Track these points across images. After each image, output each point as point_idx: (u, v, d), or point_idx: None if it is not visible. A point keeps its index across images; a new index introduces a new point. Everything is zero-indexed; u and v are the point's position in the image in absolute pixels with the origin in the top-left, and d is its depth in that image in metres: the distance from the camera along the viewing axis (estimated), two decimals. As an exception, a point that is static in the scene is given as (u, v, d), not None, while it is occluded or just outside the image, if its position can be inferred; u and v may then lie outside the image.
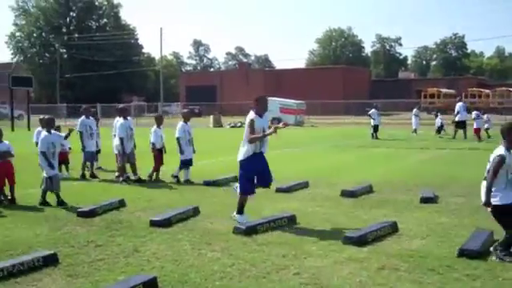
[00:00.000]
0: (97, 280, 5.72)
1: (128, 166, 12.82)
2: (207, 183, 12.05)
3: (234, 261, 6.29)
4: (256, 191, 8.45)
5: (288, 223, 8.03)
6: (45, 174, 9.86)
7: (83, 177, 13.26)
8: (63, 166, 13.41)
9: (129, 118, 13.17)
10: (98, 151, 14.88)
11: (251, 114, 8.12)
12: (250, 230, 7.49)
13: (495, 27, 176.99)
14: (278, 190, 10.91)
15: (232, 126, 43.12)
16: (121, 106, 14.27)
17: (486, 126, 27.24)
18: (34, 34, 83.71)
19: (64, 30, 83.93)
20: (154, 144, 12.75)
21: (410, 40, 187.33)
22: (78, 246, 7.00)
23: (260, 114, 8.18)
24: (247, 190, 8.20)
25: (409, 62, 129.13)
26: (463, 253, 6.16)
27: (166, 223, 8.00)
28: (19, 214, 9.05)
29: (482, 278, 5.56)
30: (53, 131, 10.25)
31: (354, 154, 19.18)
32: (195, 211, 8.86)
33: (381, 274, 5.75)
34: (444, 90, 62.08)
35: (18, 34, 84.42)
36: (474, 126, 25.39)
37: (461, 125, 25.71)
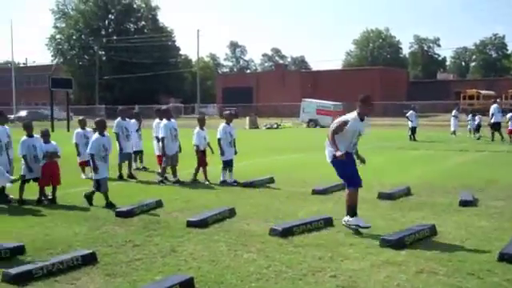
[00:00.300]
0: (134, 280, 5.78)
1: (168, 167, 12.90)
2: (244, 184, 12.07)
3: (270, 262, 6.28)
4: (291, 193, 8.41)
5: (324, 225, 7.98)
6: (93, 176, 9.93)
7: (121, 177, 13.38)
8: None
9: (172, 119, 13.10)
10: (141, 152, 15.07)
11: (349, 115, 7.88)
12: (286, 232, 7.47)
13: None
14: (315, 192, 10.87)
15: (268, 128, 43.14)
16: (164, 107, 14.34)
17: None
18: (74, 37, 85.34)
19: (103, 32, 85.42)
20: (197, 146, 12.74)
21: (449, 41, 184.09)
22: (116, 246, 7.10)
23: (362, 116, 7.89)
24: (357, 182, 7.78)
25: (447, 63, 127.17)
26: (503, 257, 6.03)
27: (203, 224, 8.04)
28: (59, 214, 9.22)
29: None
30: (105, 133, 10.26)
31: (391, 156, 18.97)
32: (231, 212, 8.89)
33: (419, 278, 5.66)
34: (483, 92, 60.87)
35: (58, 36, 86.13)
36: (509, 127, 24.93)
37: (496, 126, 25.41)
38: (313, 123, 45.37)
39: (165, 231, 7.86)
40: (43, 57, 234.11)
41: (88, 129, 13.47)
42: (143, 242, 7.25)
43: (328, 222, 8.08)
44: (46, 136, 10.56)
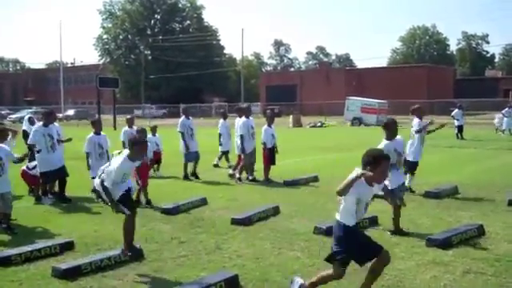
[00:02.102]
0: (180, 276, 5.88)
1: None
2: (287, 183, 12.08)
3: (315, 260, 6.29)
4: (332, 192, 8.32)
5: (370, 224, 7.92)
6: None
7: (186, 177, 13.08)
8: (155, 166, 13.71)
9: (250, 117, 13.01)
10: (227, 152, 15.14)
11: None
12: (331, 231, 7.41)
13: None
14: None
15: (312, 126, 42.91)
16: (244, 105, 14.30)
17: None
18: (120, 37, 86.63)
19: (148, 32, 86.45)
20: (264, 143, 12.56)
21: (498, 37, 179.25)
22: (161, 242, 7.23)
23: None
24: None
25: (496, 60, 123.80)
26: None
27: (247, 221, 8.11)
28: (107, 211, 9.39)
29: None
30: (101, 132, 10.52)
31: (438, 155, 18.60)
32: (275, 210, 8.93)
33: (466, 278, 5.58)
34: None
35: (105, 36, 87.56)
36: None
37: None
38: (357, 121, 44.94)
39: (209, 228, 7.96)
40: (91, 57, 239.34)
41: (135, 127, 13.61)
42: (188, 239, 7.36)
43: (373, 221, 8.02)
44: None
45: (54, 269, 5.92)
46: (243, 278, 5.66)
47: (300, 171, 13.62)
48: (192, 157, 13.33)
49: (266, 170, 12.61)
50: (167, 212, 8.96)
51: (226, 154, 15.13)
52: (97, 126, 10.57)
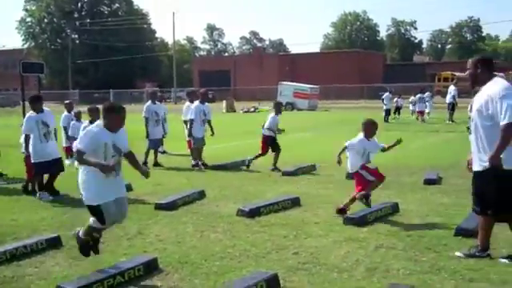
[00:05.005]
0: (99, 261, 5.82)
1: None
2: (214, 167, 12.14)
3: (236, 242, 6.39)
4: (262, 175, 8.48)
5: (292, 205, 8.11)
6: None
7: (145, 164, 12.27)
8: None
9: (206, 103, 12.77)
10: (164, 136, 14.46)
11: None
12: (254, 213, 7.57)
13: (510, 10, 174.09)
14: (284, 174, 10.99)
15: (245, 112, 43.11)
16: (196, 89, 13.90)
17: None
18: (45, 20, 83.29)
19: (76, 15, 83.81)
20: (269, 130, 12.21)
21: (426, 23, 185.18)
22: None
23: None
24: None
25: (424, 45, 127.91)
26: (460, 232, 6.21)
27: (171, 206, 8.11)
28: (26, 200, 9.21)
29: (479, 258, 5.59)
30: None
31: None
32: (201, 195, 8.98)
33: (378, 253, 5.83)
34: (458, 74, 61.44)
35: (28, 19, 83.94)
36: (417, 109, 28.46)
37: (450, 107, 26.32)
38: (290, 106, 45.44)
39: (132, 214, 7.83)
40: (14, 41, 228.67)
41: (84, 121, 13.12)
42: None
43: (295, 202, 8.21)
44: None
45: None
46: (162, 261, 5.68)
47: (230, 155, 13.70)
48: (154, 144, 12.97)
49: (257, 156, 12.27)
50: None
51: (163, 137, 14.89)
52: (38, 104, 9.45)
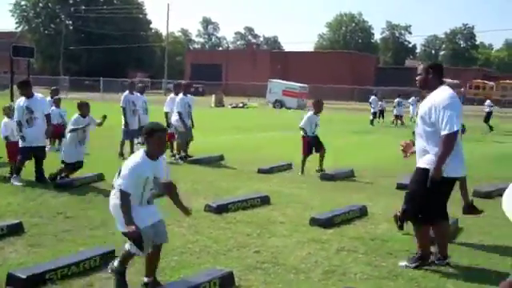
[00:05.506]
0: (59, 250, 5.77)
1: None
2: (191, 161, 12.08)
3: (198, 237, 6.34)
4: (239, 171, 8.38)
5: (261, 203, 8.06)
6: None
7: (121, 155, 12.18)
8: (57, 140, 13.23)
9: (188, 95, 12.69)
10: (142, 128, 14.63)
11: None
12: (221, 209, 7.52)
13: (505, 20, 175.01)
14: (260, 171, 10.95)
15: (233, 107, 42.99)
16: (182, 82, 13.84)
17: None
18: (40, 4, 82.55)
19: (71, 1, 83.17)
20: (303, 130, 11.51)
21: (421, 28, 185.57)
22: (46, 217, 7.05)
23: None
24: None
25: (418, 50, 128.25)
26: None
27: (139, 198, 8.03)
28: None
29: (438, 265, 5.59)
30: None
31: (345, 139, 19.19)
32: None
33: (338, 256, 5.80)
34: (448, 80, 61.62)
35: (23, 2, 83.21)
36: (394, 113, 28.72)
37: None
38: (278, 104, 45.46)
39: (100, 205, 7.80)
40: (8, 23, 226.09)
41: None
42: (75, 215, 7.22)
43: (265, 201, 8.17)
44: None
45: None
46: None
47: (210, 150, 13.62)
48: (130, 135, 12.73)
49: (303, 161, 11.17)
50: (61, 186, 8.75)
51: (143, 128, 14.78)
52: (26, 89, 9.35)
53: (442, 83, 5.53)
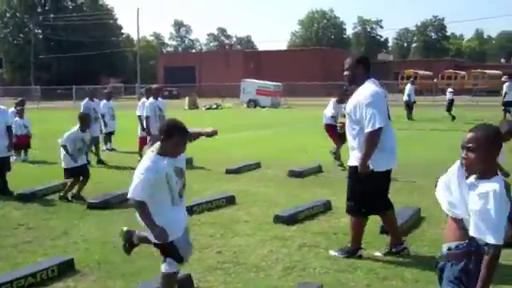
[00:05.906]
0: (17, 262, 5.69)
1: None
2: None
3: (161, 242, 6.29)
4: (207, 172, 8.32)
5: (226, 204, 8.05)
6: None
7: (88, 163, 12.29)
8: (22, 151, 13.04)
9: (159, 98, 12.54)
10: (113, 133, 14.69)
11: None
12: (186, 211, 7.46)
13: (475, 10, 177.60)
14: (228, 171, 10.93)
15: (208, 108, 42.79)
16: (154, 86, 13.77)
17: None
18: (8, 14, 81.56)
19: (39, 9, 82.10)
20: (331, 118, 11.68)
21: (392, 22, 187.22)
22: (7, 229, 6.96)
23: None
24: None
25: (390, 44, 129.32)
26: (384, 230, 6.21)
27: (103, 205, 7.97)
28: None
29: (397, 255, 5.63)
30: None
31: (316, 136, 19.19)
32: (138, 192, 8.80)
33: (300, 252, 5.82)
34: (421, 72, 62.33)
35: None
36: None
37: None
38: (252, 103, 45.40)
39: (63, 214, 7.74)
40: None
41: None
42: (37, 225, 7.13)
43: (230, 201, 8.15)
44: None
45: None
46: (81, 262, 5.58)
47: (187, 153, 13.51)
48: (93, 141, 12.57)
49: (337, 148, 11.38)
50: (22, 198, 8.60)
51: (111, 134, 14.79)
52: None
53: (369, 77, 5.54)
